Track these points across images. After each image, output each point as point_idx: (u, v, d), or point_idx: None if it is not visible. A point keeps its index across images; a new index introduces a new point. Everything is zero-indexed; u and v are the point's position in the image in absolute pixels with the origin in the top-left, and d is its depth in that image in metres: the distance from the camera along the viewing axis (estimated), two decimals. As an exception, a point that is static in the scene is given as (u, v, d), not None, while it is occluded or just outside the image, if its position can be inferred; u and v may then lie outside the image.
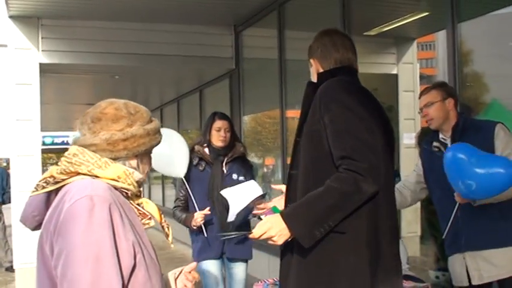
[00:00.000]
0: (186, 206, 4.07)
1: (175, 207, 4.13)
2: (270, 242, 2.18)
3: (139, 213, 1.81)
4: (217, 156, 4.06)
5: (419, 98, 3.39)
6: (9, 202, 9.32)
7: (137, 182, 1.80)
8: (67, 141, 37.55)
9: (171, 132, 4.34)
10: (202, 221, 3.87)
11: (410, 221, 7.72)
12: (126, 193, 1.77)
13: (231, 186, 3.87)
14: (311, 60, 2.53)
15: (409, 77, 8.44)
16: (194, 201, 3.99)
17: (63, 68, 8.14)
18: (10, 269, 9.14)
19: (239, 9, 7.60)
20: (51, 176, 1.74)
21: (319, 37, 2.53)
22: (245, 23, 7.97)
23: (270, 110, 8.02)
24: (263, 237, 2.18)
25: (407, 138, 7.64)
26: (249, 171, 4.18)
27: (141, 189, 1.85)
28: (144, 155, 1.84)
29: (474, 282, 3.10)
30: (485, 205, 2.98)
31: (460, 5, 4.29)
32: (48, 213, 1.70)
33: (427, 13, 6.81)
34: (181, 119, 12.54)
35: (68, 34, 7.70)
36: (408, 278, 3.29)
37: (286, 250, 2.32)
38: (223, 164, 4.07)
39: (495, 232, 3.07)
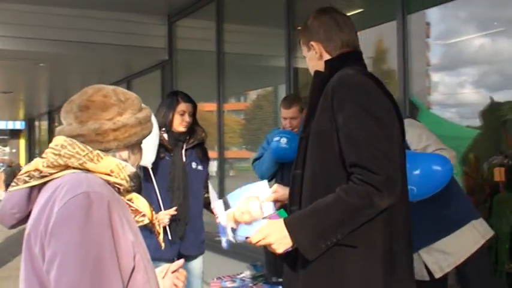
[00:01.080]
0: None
1: None
2: (270, 248, 2.02)
3: (132, 209, 1.68)
4: (176, 143, 3.65)
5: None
6: None
7: (129, 175, 1.66)
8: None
9: None
10: (168, 222, 3.50)
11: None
12: (119, 188, 1.63)
13: (191, 175, 3.63)
14: (312, 43, 2.18)
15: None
16: (158, 194, 3.55)
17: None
18: None
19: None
20: (36, 170, 1.58)
21: (317, 16, 2.20)
22: (180, 13, 7.82)
23: (205, 102, 7.92)
24: (261, 243, 2.01)
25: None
26: (207, 160, 3.86)
27: (133, 184, 1.69)
28: (135, 146, 1.70)
29: (437, 276, 3.14)
30: (422, 200, 2.95)
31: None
32: (35, 211, 1.54)
33: (361, 10, 6.94)
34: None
35: (-10, 17, 7.26)
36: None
37: (290, 261, 2.10)
38: (183, 151, 3.68)
39: (440, 222, 3.11)
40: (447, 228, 3.14)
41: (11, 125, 28.02)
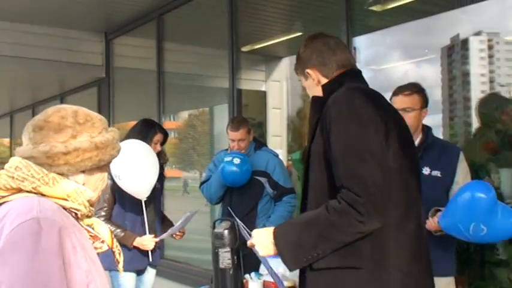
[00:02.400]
0: (110, 215, 3.71)
1: (100, 216, 3.64)
2: (254, 250, 2.06)
3: (90, 235, 1.60)
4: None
5: (395, 96, 3.03)
6: None
7: (88, 201, 1.58)
8: None
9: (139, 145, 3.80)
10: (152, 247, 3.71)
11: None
12: (76, 214, 1.55)
13: (155, 192, 3.79)
14: (307, 71, 2.17)
15: (276, 94, 8.68)
16: (146, 220, 3.72)
17: None
18: None
19: (112, 17, 7.36)
20: None
21: (308, 43, 2.20)
22: (118, 30, 7.72)
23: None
24: (251, 243, 2.07)
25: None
26: (163, 179, 4.11)
27: (92, 209, 1.62)
28: (95, 171, 1.60)
29: None
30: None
31: (353, 22, 4.49)
32: None
33: (299, 33, 7.06)
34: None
35: None
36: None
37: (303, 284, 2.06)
38: None
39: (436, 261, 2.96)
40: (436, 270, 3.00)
41: None
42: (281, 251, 1.96)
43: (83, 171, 1.58)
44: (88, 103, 8.78)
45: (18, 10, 6.93)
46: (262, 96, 8.57)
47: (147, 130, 3.85)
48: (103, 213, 3.67)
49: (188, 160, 7.98)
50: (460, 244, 3.23)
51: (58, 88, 9.80)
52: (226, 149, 4.23)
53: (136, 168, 3.54)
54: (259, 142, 4.25)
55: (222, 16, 5.83)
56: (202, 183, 4.33)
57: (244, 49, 7.63)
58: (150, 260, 3.73)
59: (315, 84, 2.18)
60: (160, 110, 6.82)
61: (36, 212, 1.41)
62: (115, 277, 3.69)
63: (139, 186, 3.63)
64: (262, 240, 2.02)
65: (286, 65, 8.06)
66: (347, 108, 1.95)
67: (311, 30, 6.13)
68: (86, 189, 1.57)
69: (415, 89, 3.01)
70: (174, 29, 6.85)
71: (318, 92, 2.16)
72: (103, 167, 1.64)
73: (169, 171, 7.77)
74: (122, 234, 3.64)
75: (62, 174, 1.54)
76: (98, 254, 1.63)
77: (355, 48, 5.00)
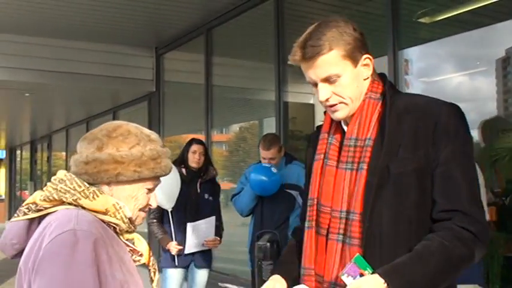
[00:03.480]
0: (161, 218, 4.53)
1: (151, 219, 4.54)
2: None
3: (130, 249, 1.63)
4: (193, 177, 4.55)
5: None
6: None
7: (129, 218, 1.61)
8: None
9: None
10: (176, 253, 4.43)
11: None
12: (115, 227, 1.59)
13: (202, 204, 4.49)
14: (368, 57, 1.77)
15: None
16: (172, 227, 4.46)
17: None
18: None
19: (162, 32, 7.48)
20: (34, 203, 1.55)
21: (353, 24, 1.76)
22: (168, 45, 7.84)
23: (192, 133, 7.89)
24: None
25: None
26: (217, 193, 4.74)
27: (134, 226, 1.64)
28: (120, 185, 1.59)
29: None
30: None
31: (399, 34, 4.43)
32: (28, 245, 1.50)
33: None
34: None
35: (-28, 46, 7.23)
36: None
37: None
38: (198, 184, 4.57)
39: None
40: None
41: (-9, 153, 27.73)
42: None
43: (108, 183, 1.59)
44: (139, 117, 8.94)
45: (73, 28, 7.15)
46: (310, 108, 8.54)
47: (186, 144, 4.67)
48: (151, 217, 4.49)
49: (239, 172, 8.00)
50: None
51: (111, 102, 10.02)
52: (259, 162, 4.34)
53: None
54: (290, 156, 4.38)
55: (268, 29, 5.85)
56: (234, 196, 4.49)
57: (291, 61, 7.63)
58: (176, 263, 4.46)
59: (364, 76, 1.78)
60: (209, 123, 6.87)
61: (73, 224, 1.45)
62: (165, 272, 4.49)
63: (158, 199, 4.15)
64: None
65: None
66: (464, 123, 1.73)
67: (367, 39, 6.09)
68: (124, 206, 1.59)
69: None
70: (222, 43, 6.90)
71: (361, 88, 1.78)
72: (132, 182, 1.60)
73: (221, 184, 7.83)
74: (160, 236, 4.47)
75: (89, 183, 1.58)
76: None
77: (406, 60, 4.93)
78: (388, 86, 1.81)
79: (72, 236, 1.42)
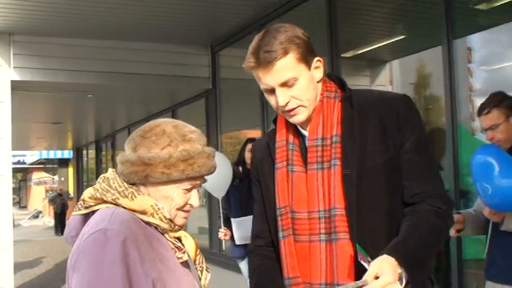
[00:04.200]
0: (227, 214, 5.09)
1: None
2: None
3: (174, 246, 1.65)
4: (247, 175, 4.78)
5: (479, 116, 2.99)
6: None
7: (169, 219, 1.64)
8: (23, 160, 36.73)
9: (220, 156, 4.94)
10: (221, 237, 5.04)
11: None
12: (156, 227, 1.63)
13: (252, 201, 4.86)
14: (319, 59, 1.85)
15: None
16: (221, 215, 5.05)
17: (34, 85, 7.93)
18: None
19: (216, 29, 7.57)
20: (83, 200, 1.64)
21: (300, 29, 1.86)
22: (223, 43, 7.94)
23: (249, 129, 7.98)
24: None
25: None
26: None
27: (176, 225, 1.67)
28: (154, 186, 1.62)
29: None
30: None
31: (454, 22, 4.34)
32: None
33: (402, 36, 6.92)
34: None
35: (40, 51, 7.52)
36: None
37: None
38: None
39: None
40: None
41: (59, 154, 28.75)
42: (413, 278, 1.64)
43: (143, 184, 1.62)
44: (197, 114, 9.09)
45: (131, 30, 7.33)
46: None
47: (243, 143, 5.10)
48: (225, 212, 5.08)
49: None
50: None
51: (169, 101, 10.21)
52: None
53: None
54: None
55: (321, 23, 5.84)
56: None
57: (347, 55, 7.58)
58: (223, 248, 5.17)
59: (317, 78, 1.84)
60: (265, 118, 6.92)
61: (106, 223, 1.51)
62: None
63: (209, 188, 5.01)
64: (390, 271, 1.57)
65: (390, 69, 7.92)
66: (418, 112, 1.87)
67: (414, 32, 5.99)
68: (163, 207, 1.62)
69: (492, 104, 2.92)
70: (276, 38, 6.92)
71: (315, 90, 1.83)
72: (165, 183, 1.62)
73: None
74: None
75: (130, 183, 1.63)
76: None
77: (469, 49, 4.84)
78: (343, 84, 1.89)
79: (103, 235, 1.48)
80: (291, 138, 1.90)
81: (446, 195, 1.85)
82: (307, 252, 1.81)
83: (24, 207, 40.78)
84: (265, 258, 1.98)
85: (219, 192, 4.91)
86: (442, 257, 4.43)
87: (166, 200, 1.63)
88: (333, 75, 1.95)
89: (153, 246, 1.56)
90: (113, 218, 1.53)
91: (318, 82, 1.85)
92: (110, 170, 1.68)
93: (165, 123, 1.67)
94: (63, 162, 28.99)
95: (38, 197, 36.32)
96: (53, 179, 36.85)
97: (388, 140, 1.79)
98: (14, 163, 33.49)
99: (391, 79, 8.99)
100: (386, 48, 7.47)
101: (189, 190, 1.66)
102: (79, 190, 22.45)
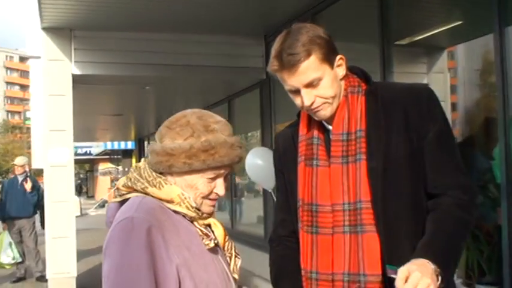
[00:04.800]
0: None
1: None
2: None
3: (202, 233, 1.69)
4: None
5: None
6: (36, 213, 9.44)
7: (196, 207, 1.68)
8: (90, 151, 37.94)
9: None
10: None
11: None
12: (184, 216, 1.68)
13: None
14: (341, 57, 1.87)
15: (439, 87, 8.35)
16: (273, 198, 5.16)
17: (95, 79, 8.19)
18: (41, 279, 9.20)
19: (270, 19, 7.60)
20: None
21: (322, 28, 1.89)
22: (276, 32, 7.93)
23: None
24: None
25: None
26: None
27: (205, 214, 1.72)
28: (180, 175, 1.67)
29: None
30: None
31: (507, 9, 4.22)
32: None
33: (459, 22, 6.75)
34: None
35: (99, 45, 7.76)
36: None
37: None
38: None
39: None
40: None
41: (123, 145, 29.53)
42: (447, 274, 1.63)
43: (170, 174, 1.68)
44: (251, 104, 9.16)
45: (186, 22, 7.45)
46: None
47: None
48: None
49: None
50: None
51: (225, 92, 10.34)
52: None
53: (251, 167, 5.24)
54: None
55: (373, 10, 5.77)
56: None
57: (402, 42, 7.46)
58: None
59: (340, 76, 1.86)
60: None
61: (133, 211, 1.59)
62: None
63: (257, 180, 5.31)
64: (427, 276, 1.54)
65: (448, 55, 7.74)
66: (440, 103, 1.86)
67: (469, 17, 5.83)
68: (189, 197, 1.68)
69: None
70: (328, 26, 6.88)
71: (338, 87, 1.85)
72: (189, 173, 1.67)
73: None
74: None
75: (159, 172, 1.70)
76: None
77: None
78: (366, 77, 1.93)
79: (130, 222, 1.56)
80: (315, 133, 1.93)
81: (468, 185, 1.83)
82: (330, 244, 1.83)
83: (92, 196, 42.07)
84: (286, 249, 2.02)
85: (268, 183, 4.95)
86: (495, 247, 4.33)
87: (192, 189, 1.68)
88: (355, 68, 1.97)
89: (179, 233, 1.63)
90: (140, 206, 1.61)
91: (341, 80, 1.88)
92: (142, 160, 1.76)
93: (191, 114, 1.72)
94: (127, 153, 29.74)
95: (104, 186, 37.41)
96: (117, 169, 37.92)
97: (412, 132, 1.81)
98: (81, 154, 34.69)
99: (449, 66, 8.80)
100: (444, 35, 7.30)
101: (213, 179, 1.70)
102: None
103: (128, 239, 1.53)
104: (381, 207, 1.76)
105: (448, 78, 8.63)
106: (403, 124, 1.81)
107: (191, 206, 1.67)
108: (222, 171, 1.70)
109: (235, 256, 1.80)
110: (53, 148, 7.33)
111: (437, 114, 1.84)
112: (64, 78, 7.51)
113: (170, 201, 1.66)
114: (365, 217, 1.77)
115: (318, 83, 1.80)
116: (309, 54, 1.77)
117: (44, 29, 7.47)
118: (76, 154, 31.60)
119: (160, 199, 1.66)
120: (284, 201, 2.03)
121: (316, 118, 1.90)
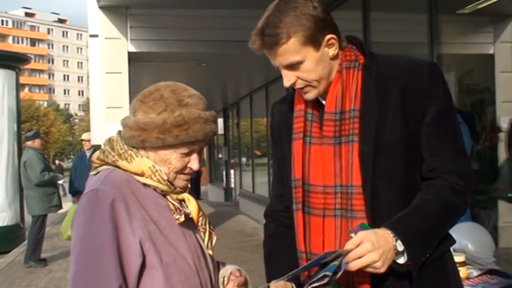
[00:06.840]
0: None
1: None
2: (370, 269, 1.52)
3: (174, 207, 1.66)
4: None
5: None
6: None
7: (168, 180, 1.66)
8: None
9: None
10: None
11: (507, 210, 7.28)
12: (154, 188, 1.65)
13: None
14: (332, 37, 1.69)
15: (507, 57, 7.91)
16: None
17: (151, 56, 8.31)
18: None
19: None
20: (92, 161, 1.73)
21: (314, 1, 1.68)
22: (328, 6, 7.77)
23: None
24: (362, 262, 1.50)
25: (505, 122, 7.17)
26: None
27: (177, 187, 1.69)
28: (153, 150, 1.65)
29: None
30: None
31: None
32: None
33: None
34: (270, 106, 12.40)
35: (155, 23, 7.86)
36: (493, 273, 2.99)
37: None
38: None
39: None
40: None
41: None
42: (413, 255, 1.57)
43: (143, 148, 1.66)
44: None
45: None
46: (489, 60, 7.89)
47: None
48: None
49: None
50: None
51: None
52: None
53: None
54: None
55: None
56: None
57: (465, 11, 7.11)
58: None
59: (330, 57, 1.71)
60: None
61: (99, 183, 1.58)
62: None
63: None
64: (380, 250, 1.50)
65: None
66: (444, 81, 1.72)
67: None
68: (160, 169, 1.65)
69: None
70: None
71: (329, 68, 1.72)
72: (162, 148, 1.64)
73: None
74: None
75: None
76: None
77: None
78: (363, 52, 1.75)
79: (94, 195, 1.56)
80: (309, 108, 1.82)
81: (467, 171, 1.72)
82: (321, 226, 1.76)
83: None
84: (279, 226, 1.95)
85: None
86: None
87: (165, 164, 1.65)
88: (355, 39, 1.82)
89: (147, 207, 1.61)
90: (106, 179, 1.60)
91: (331, 59, 1.73)
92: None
93: (164, 87, 1.67)
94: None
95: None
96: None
97: (409, 112, 1.68)
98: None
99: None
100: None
101: (187, 154, 1.66)
102: (210, 157, 23.36)
103: (92, 212, 1.54)
104: (371, 193, 1.67)
105: (516, 48, 8.19)
106: (400, 105, 1.68)
107: (163, 179, 1.64)
108: (195, 146, 1.67)
109: (210, 232, 1.77)
110: (110, 125, 7.51)
111: (439, 93, 1.69)
112: (120, 56, 7.68)
113: (140, 175, 1.64)
114: (355, 203, 1.69)
115: (299, 66, 1.69)
116: (289, 37, 1.66)
117: (101, 7, 7.63)
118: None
119: (131, 172, 1.64)
120: (280, 175, 1.97)
121: (305, 98, 1.80)
